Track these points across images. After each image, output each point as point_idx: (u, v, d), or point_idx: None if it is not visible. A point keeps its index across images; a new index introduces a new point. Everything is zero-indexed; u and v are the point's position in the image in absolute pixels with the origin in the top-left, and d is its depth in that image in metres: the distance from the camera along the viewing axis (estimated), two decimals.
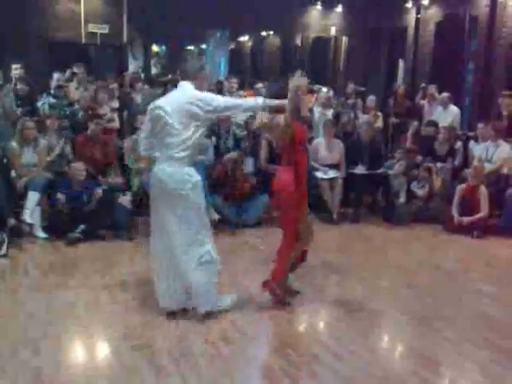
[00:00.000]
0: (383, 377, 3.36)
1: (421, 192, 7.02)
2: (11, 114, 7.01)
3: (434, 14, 12.74)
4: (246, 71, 17.68)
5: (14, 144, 6.15)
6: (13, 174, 6.05)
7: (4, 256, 5.20)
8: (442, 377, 3.50)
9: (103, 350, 3.64)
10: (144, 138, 4.08)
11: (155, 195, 3.95)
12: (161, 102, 3.95)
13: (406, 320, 4.23)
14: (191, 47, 21.39)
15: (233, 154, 6.52)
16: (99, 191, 5.85)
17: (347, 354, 3.59)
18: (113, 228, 5.95)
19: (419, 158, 7.41)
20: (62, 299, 4.30)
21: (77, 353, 3.59)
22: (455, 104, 8.93)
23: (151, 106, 3.96)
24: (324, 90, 8.88)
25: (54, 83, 8.40)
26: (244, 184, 6.48)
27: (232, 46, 19.45)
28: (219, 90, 9.99)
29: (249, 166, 6.77)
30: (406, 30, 13.64)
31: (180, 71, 3.94)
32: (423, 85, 10.05)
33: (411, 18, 13.42)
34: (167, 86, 8.41)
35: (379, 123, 8.75)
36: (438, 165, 7.26)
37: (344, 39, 16.01)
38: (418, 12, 13.04)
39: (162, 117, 3.83)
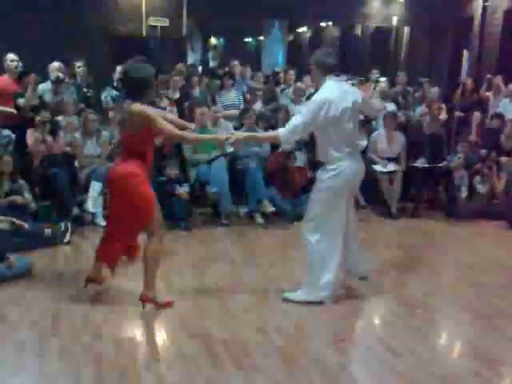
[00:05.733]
0: (442, 375, 3.25)
1: (482, 189, 6.75)
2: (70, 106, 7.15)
3: (502, 1, 12.18)
4: (305, 63, 17.55)
5: (77, 136, 6.36)
6: (76, 164, 6.26)
7: (68, 243, 5.40)
8: (503, 377, 3.36)
9: (161, 336, 3.72)
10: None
11: (343, 191, 4.04)
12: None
13: (468, 318, 4.09)
14: (249, 39, 21.42)
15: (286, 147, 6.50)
16: (183, 191, 5.98)
17: (405, 351, 3.50)
18: (169, 218, 6.04)
19: (483, 151, 7.14)
20: (121, 286, 4.42)
21: (136, 338, 3.67)
22: None
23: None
24: (382, 79, 8.65)
25: (116, 76, 8.58)
26: (296, 176, 6.46)
27: (290, 38, 19.34)
28: (276, 81, 9.94)
29: (299, 160, 6.71)
30: (472, 19, 13.12)
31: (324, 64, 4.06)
32: (488, 76, 9.66)
33: (477, 6, 12.89)
34: (224, 78, 8.42)
35: (443, 115, 8.47)
36: (504, 159, 6.98)
37: (406, 29, 15.60)
38: (485, 0, 12.53)
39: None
